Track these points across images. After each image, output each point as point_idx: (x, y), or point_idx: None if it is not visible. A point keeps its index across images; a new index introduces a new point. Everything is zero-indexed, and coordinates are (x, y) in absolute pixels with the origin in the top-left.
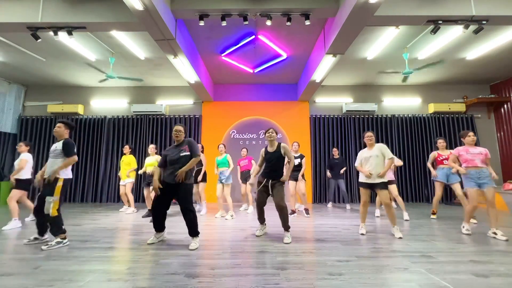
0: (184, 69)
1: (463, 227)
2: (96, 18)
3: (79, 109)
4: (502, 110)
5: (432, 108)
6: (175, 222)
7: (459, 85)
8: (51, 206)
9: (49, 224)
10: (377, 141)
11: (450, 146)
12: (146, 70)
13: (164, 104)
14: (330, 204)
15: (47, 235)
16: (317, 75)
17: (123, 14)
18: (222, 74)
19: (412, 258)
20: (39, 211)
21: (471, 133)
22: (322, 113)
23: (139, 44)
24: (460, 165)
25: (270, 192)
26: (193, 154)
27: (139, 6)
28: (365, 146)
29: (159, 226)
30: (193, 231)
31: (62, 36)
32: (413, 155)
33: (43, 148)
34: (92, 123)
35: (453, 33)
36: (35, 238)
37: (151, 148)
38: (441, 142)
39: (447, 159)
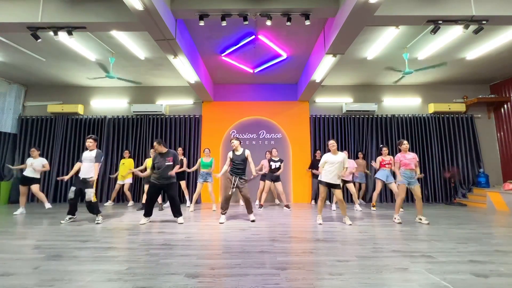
0: (184, 69)
1: (395, 218)
2: (96, 18)
3: (79, 109)
4: (502, 110)
5: (432, 108)
6: (175, 223)
7: (459, 85)
8: (92, 195)
9: (90, 207)
10: (378, 141)
11: (450, 146)
12: (146, 70)
13: (164, 104)
14: (313, 202)
15: (77, 215)
16: (317, 75)
17: (123, 14)
18: (222, 74)
19: (412, 258)
20: (74, 199)
21: (405, 142)
22: (322, 113)
23: (139, 44)
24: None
25: (234, 186)
26: (176, 164)
27: (139, 6)
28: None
29: (149, 212)
30: (178, 213)
31: (62, 36)
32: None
33: (43, 148)
34: (92, 123)
35: (453, 33)
36: (70, 218)
37: (152, 151)
38: (384, 149)
39: (388, 163)
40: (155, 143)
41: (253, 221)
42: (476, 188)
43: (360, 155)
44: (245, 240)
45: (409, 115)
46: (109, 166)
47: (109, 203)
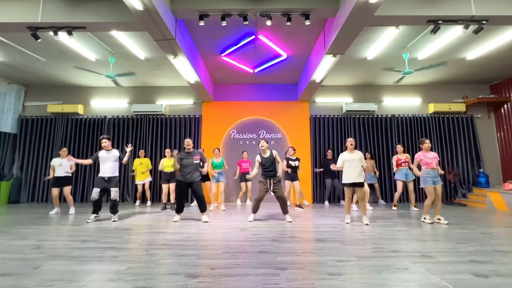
0: (184, 69)
1: (425, 218)
2: (96, 18)
3: (79, 109)
4: (502, 110)
5: (432, 108)
6: (175, 223)
7: (459, 85)
8: (118, 194)
9: (114, 207)
10: (378, 141)
11: (450, 146)
12: (146, 70)
13: (164, 104)
14: (326, 203)
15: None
16: (317, 75)
17: (123, 14)
18: (222, 74)
19: (412, 258)
20: (98, 199)
21: (427, 141)
22: (322, 113)
23: (139, 44)
24: (419, 167)
25: (270, 189)
26: (204, 165)
27: (139, 6)
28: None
29: (180, 209)
30: (204, 209)
31: (62, 36)
32: (413, 155)
33: (43, 148)
34: (92, 123)
35: (453, 33)
36: (95, 217)
37: (168, 152)
38: (399, 148)
39: (404, 161)
40: (189, 140)
41: (290, 221)
42: (476, 188)
43: (368, 155)
44: (245, 240)
45: (409, 115)
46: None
47: (138, 203)
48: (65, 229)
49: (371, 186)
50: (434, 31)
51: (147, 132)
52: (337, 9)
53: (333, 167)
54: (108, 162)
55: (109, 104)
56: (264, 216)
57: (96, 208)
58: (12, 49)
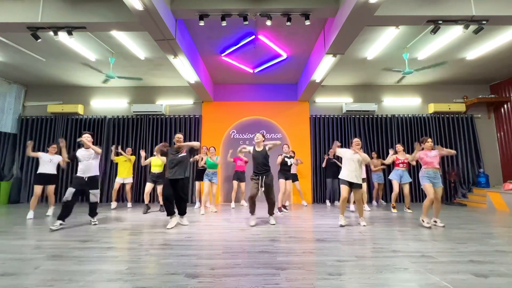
0: (184, 69)
1: (423, 220)
2: (96, 18)
3: (79, 109)
4: (502, 110)
5: (432, 108)
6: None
7: (459, 85)
8: (99, 196)
9: (94, 209)
10: (378, 141)
11: (450, 146)
12: (146, 70)
13: (164, 104)
14: (328, 203)
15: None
16: (317, 75)
17: (123, 14)
18: (222, 74)
19: (412, 258)
20: (71, 201)
21: (429, 139)
22: (322, 113)
23: (139, 44)
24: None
25: (262, 186)
26: (194, 148)
27: (139, 6)
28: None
29: (171, 211)
30: (183, 212)
31: (62, 36)
32: None
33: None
34: (92, 123)
35: (453, 33)
36: (60, 224)
37: (157, 149)
38: (399, 147)
39: (403, 162)
40: (180, 135)
41: (273, 224)
42: (476, 188)
43: (374, 154)
44: (245, 240)
45: (409, 115)
46: (109, 167)
47: (114, 204)
48: (65, 229)
49: (378, 185)
50: (434, 31)
51: (147, 132)
52: (337, 9)
53: (334, 149)
54: (87, 161)
55: (109, 104)
56: (264, 216)
57: (65, 213)
58: (12, 49)
